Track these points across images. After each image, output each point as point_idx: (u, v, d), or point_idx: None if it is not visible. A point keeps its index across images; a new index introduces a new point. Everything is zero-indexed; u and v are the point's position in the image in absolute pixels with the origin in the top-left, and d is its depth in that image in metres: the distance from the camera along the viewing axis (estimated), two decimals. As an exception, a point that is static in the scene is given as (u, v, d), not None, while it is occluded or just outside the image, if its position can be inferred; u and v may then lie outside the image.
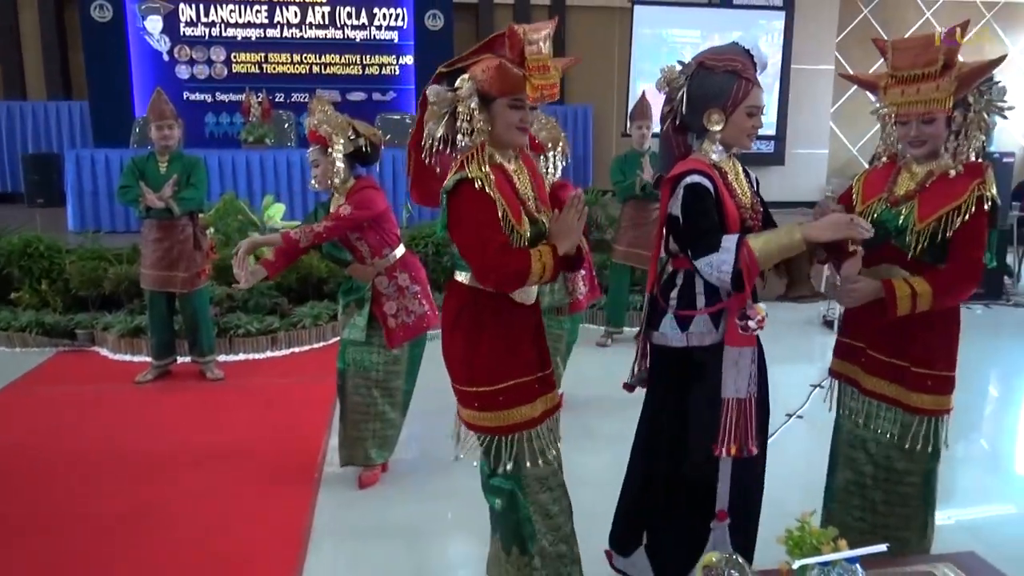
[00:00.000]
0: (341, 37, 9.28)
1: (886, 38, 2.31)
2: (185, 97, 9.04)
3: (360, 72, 9.39)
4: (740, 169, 2.27)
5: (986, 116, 2.15)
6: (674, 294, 2.22)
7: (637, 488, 2.40)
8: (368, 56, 9.39)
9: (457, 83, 1.95)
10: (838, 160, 10.18)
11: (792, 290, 2.31)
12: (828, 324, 6.05)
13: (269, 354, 5.37)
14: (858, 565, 1.60)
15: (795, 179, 9.49)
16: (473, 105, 1.94)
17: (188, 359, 4.98)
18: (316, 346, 5.54)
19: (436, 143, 2.01)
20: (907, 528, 2.37)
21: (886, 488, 2.36)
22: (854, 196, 2.40)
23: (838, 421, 2.54)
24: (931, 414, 2.29)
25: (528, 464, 2.12)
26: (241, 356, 5.31)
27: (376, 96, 9.44)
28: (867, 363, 2.36)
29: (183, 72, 9.10)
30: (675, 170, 2.16)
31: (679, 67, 2.21)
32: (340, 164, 3.23)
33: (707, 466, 2.20)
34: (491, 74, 1.93)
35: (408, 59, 9.44)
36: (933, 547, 2.43)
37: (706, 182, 2.10)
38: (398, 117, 8.91)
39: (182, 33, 9.01)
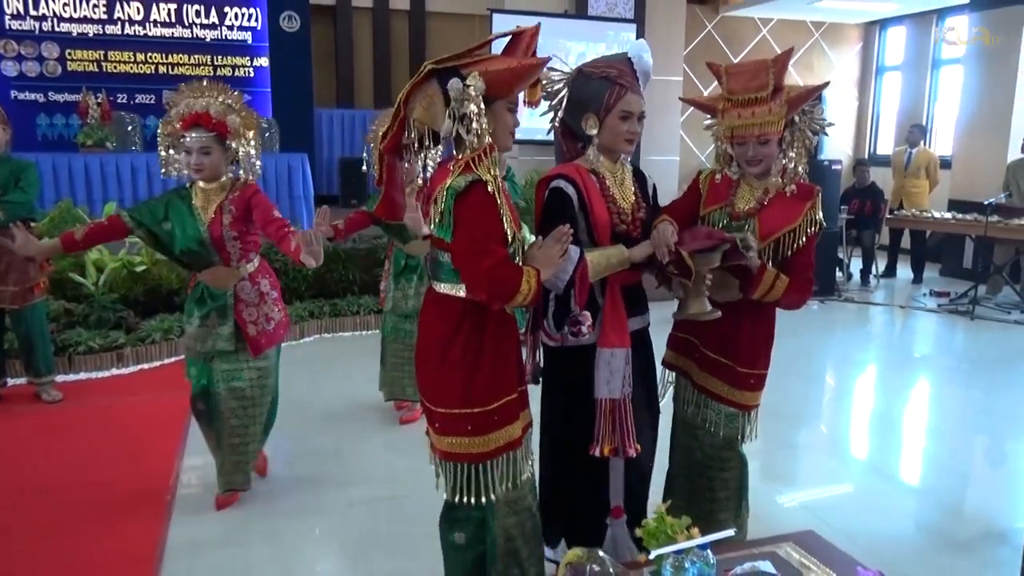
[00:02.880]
0: (190, 36, 8.84)
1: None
2: (13, 96, 8.33)
3: (212, 73, 8.96)
4: (627, 175, 2.32)
5: (809, 133, 2.35)
6: (552, 295, 2.25)
7: (545, 486, 2.42)
8: (220, 57, 8.99)
9: (468, 80, 1.85)
10: (688, 166, 10.71)
11: (683, 310, 2.36)
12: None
13: (115, 372, 5.01)
14: (709, 551, 1.68)
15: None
16: (481, 104, 1.87)
17: (23, 380, 4.57)
18: (167, 361, 5.23)
19: (435, 144, 1.94)
20: (726, 511, 2.54)
21: (710, 475, 2.52)
22: (702, 191, 2.49)
23: (675, 409, 2.67)
24: (750, 408, 2.49)
25: (503, 488, 2.04)
26: (83, 375, 4.91)
27: (230, 99, 9.04)
28: (700, 359, 2.50)
29: (9, 69, 8.37)
30: (545, 174, 2.26)
31: (556, 75, 2.28)
32: (256, 161, 3.10)
33: (596, 464, 2.25)
34: (508, 74, 1.87)
35: (263, 61, 9.12)
36: (778, 528, 2.60)
37: (569, 188, 2.17)
38: (253, 121, 8.56)
39: (8, 27, 8.29)
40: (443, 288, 2.00)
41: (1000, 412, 4.63)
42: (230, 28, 8.96)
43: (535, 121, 2.45)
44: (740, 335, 2.41)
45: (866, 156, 11.16)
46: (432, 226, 1.95)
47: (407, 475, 3.49)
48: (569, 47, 8.74)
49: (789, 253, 2.34)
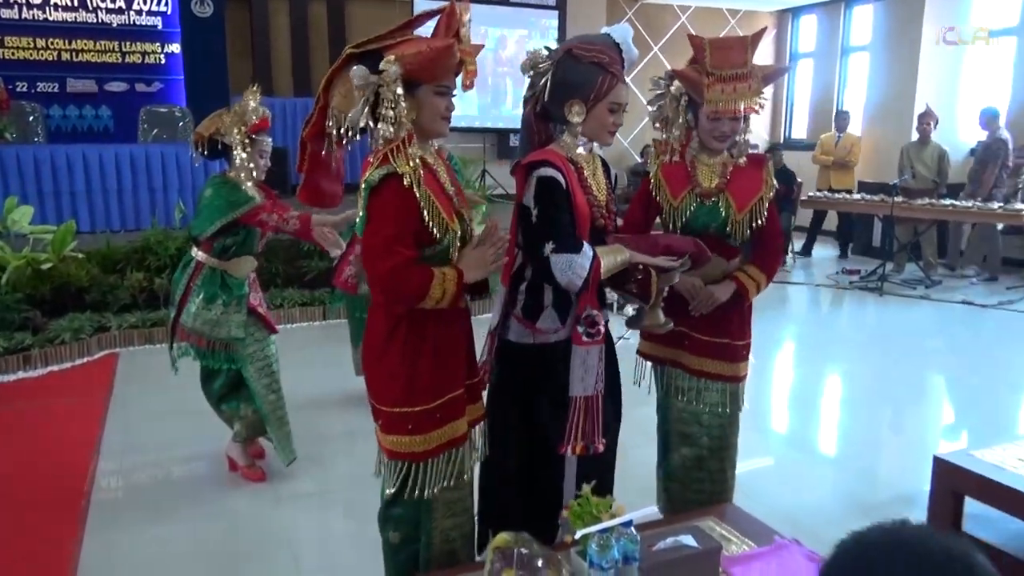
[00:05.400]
0: (95, 21, 8.40)
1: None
2: None
3: (119, 60, 8.56)
4: (599, 166, 2.24)
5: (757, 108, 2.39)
6: (523, 288, 2.16)
7: (493, 488, 2.32)
8: (128, 43, 8.59)
9: (382, 65, 1.74)
10: (610, 153, 10.83)
11: (637, 323, 2.35)
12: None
13: (22, 375, 4.76)
14: (633, 528, 1.71)
15: (575, 171, 10.00)
16: (399, 91, 1.76)
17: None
18: (79, 362, 5.00)
19: (355, 133, 1.81)
20: (731, 479, 2.61)
21: (720, 456, 2.56)
22: (654, 190, 2.50)
23: (666, 403, 2.65)
24: (745, 378, 2.57)
25: (442, 488, 1.97)
26: (-14, 379, 4.67)
27: (140, 87, 8.66)
28: (691, 345, 2.51)
29: None
30: (528, 158, 2.09)
31: (546, 51, 2.14)
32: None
33: (555, 464, 2.20)
34: (428, 56, 1.76)
35: (175, 47, 8.76)
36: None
37: (558, 176, 2.03)
38: (165, 110, 8.25)
39: None
40: None
41: (905, 382, 4.87)
42: (138, 13, 8.56)
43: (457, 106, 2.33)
44: (732, 312, 2.46)
45: (781, 141, 11.52)
46: (357, 220, 1.90)
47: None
48: (487, 32, 8.71)
49: (760, 221, 2.41)
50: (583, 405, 2.09)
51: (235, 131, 3.05)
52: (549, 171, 2.03)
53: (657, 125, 2.53)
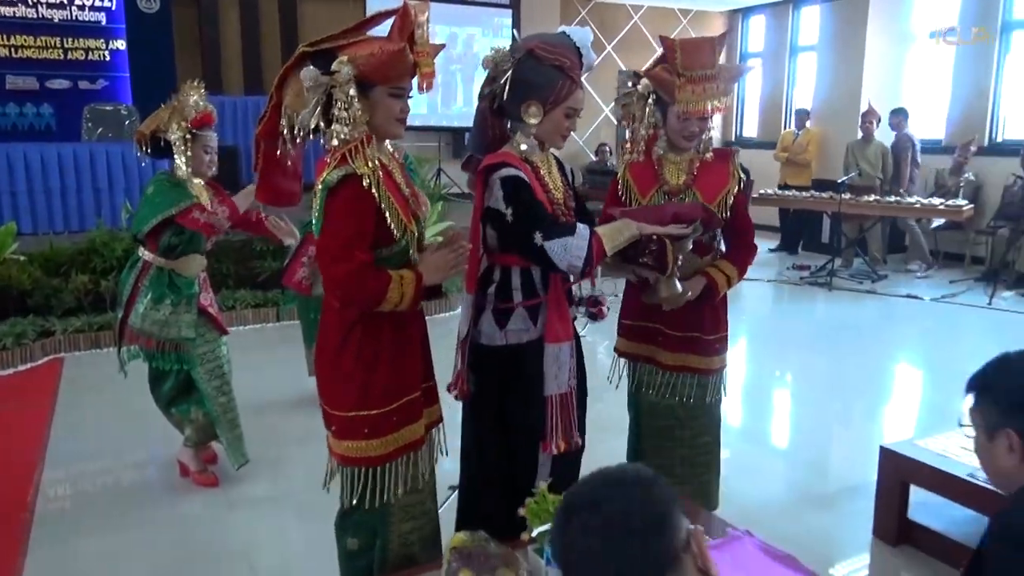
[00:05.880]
0: (35, 16, 8.15)
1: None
2: None
3: (62, 57, 8.32)
4: (553, 164, 2.24)
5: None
6: (491, 290, 2.15)
7: (476, 491, 2.30)
8: (71, 39, 8.35)
9: (334, 66, 1.73)
10: (565, 151, 10.91)
11: (653, 295, 2.37)
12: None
13: (-40, 382, 4.62)
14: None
15: (530, 169, 10.02)
16: (352, 92, 1.74)
17: None
18: (22, 368, 4.85)
19: (307, 134, 1.79)
20: (708, 472, 2.65)
21: (692, 444, 2.61)
22: (622, 190, 2.52)
23: (637, 399, 2.68)
24: (721, 370, 2.60)
25: (400, 492, 1.95)
26: (-77, 388, 4.51)
27: (83, 84, 8.44)
28: (664, 341, 2.55)
29: None
30: (485, 161, 2.10)
31: (501, 53, 2.12)
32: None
33: (530, 463, 2.19)
34: (379, 59, 1.75)
35: (120, 44, 8.55)
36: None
37: (522, 174, 2.05)
38: (111, 108, 8.03)
39: None
40: None
41: (854, 375, 4.99)
42: (81, 8, 8.33)
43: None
44: (703, 307, 2.49)
45: (733, 139, 11.70)
46: (313, 221, 1.87)
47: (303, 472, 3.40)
48: (437, 30, 8.68)
49: (729, 214, 2.44)
50: (559, 402, 2.12)
51: (174, 126, 2.98)
52: (511, 170, 2.04)
53: (623, 123, 2.56)
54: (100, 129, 7.87)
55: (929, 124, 8.98)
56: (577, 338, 2.26)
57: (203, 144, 3.07)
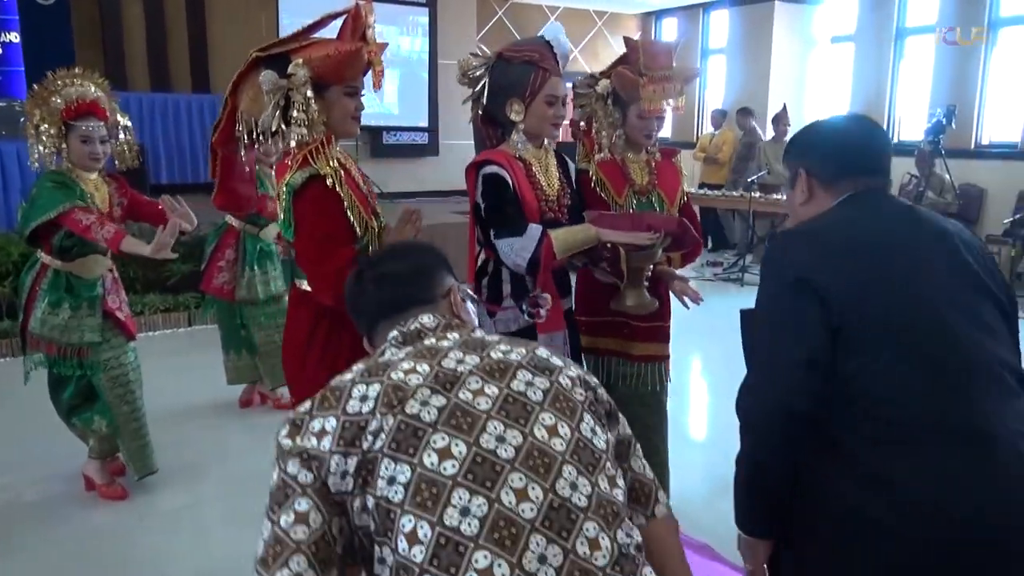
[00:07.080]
0: (-84, 5, 7.64)
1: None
2: None
3: (-52, 49, 7.83)
4: (551, 161, 2.32)
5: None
6: (485, 282, 2.26)
7: None
8: (-42, 31, 7.86)
9: (290, 69, 1.75)
10: (487, 151, 10.94)
11: (620, 303, 2.39)
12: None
13: None
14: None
15: (449, 169, 9.94)
16: (309, 93, 1.77)
17: None
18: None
19: (267, 137, 1.80)
20: (662, 458, 2.68)
21: (661, 431, 2.69)
22: (598, 187, 2.52)
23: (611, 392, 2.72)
24: (669, 356, 2.72)
25: None
26: None
27: (-28, 79, 7.95)
28: (630, 333, 2.60)
29: None
30: (474, 159, 2.23)
31: (474, 59, 2.24)
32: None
33: None
34: (336, 59, 1.78)
35: (13, 36, 8.07)
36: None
37: (503, 172, 2.15)
38: (4, 104, 7.58)
39: None
40: (305, 285, 1.95)
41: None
42: (-32, -2, 7.85)
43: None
44: (664, 297, 2.59)
45: (648, 139, 11.95)
46: (279, 224, 1.90)
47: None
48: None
49: (679, 213, 2.54)
50: None
51: (36, 117, 2.84)
52: (492, 168, 2.17)
53: (582, 124, 2.61)
54: (-9, 126, 7.41)
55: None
56: (573, 329, 2.33)
57: (79, 135, 2.88)
